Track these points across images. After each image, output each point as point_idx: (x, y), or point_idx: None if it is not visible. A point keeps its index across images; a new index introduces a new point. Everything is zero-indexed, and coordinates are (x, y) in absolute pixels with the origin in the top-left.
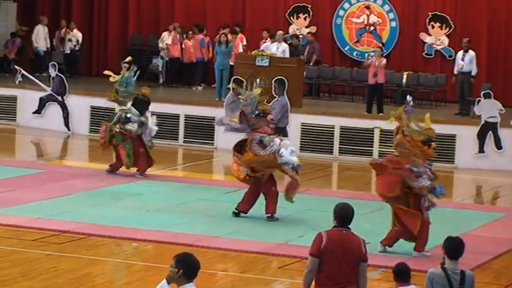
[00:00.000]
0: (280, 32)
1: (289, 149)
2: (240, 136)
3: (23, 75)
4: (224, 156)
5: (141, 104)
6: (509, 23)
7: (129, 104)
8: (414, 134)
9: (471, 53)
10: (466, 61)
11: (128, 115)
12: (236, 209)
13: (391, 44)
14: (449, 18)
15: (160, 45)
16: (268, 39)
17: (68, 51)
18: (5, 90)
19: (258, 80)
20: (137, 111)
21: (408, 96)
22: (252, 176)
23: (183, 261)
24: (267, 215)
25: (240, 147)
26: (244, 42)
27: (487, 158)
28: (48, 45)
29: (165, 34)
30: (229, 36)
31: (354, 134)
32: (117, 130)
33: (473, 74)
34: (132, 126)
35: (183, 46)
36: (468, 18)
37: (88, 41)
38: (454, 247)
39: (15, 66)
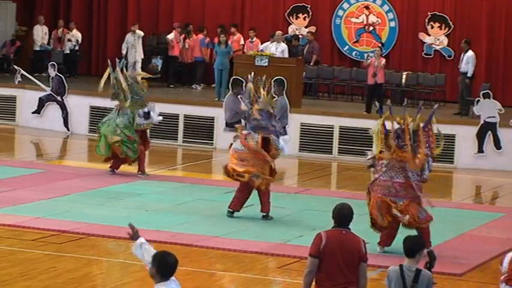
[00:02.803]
0: (279, 32)
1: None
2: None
3: (22, 75)
4: (223, 156)
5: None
6: (508, 23)
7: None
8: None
9: (469, 53)
10: (463, 61)
11: (145, 110)
12: (229, 207)
13: (390, 44)
14: (449, 18)
15: (123, 49)
16: (255, 38)
17: (68, 51)
18: (5, 90)
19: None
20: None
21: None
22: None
23: (158, 259)
24: (263, 213)
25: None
26: (242, 42)
27: (486, 158)
28: (46, 44)
29: (128, 35)
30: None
31: (353, 134)
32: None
33: (468, 75)
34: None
35: (187, 46)
36: (467, 18)
37: (87, 41)
38: (409, 246)
39: (15, 66)
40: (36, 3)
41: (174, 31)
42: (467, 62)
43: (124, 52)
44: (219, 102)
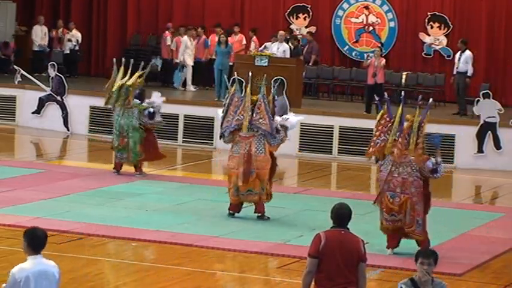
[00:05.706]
0: (281, 32)
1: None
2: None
3: (22, 75)
4: (223, 156)
5: (143, 95)
6: (508, 23)
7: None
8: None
9: (467, 53)
10: (461, 61)
11: (151, 110)
12: (228, 209)
13: (390, 44)
14: (448, 18)
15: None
16: (254, 37)
17: (68, 51)
18: (5, 90)
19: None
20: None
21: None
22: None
23: (27, 234)
24: (258, 214)
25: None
26: (244, 42)
27: (486, 158)
28: (46, 44)
29: (186, 39)
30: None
31: (353, 134)
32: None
33: (469, 74)
34: (158, 117)
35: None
36: (467, 18)
37: (87, 41)
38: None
39: (15, 66)
40: (36, 3)
41: (167, 34)
42: (466, 61)
43: (182, 58)
44: (219, 102)
